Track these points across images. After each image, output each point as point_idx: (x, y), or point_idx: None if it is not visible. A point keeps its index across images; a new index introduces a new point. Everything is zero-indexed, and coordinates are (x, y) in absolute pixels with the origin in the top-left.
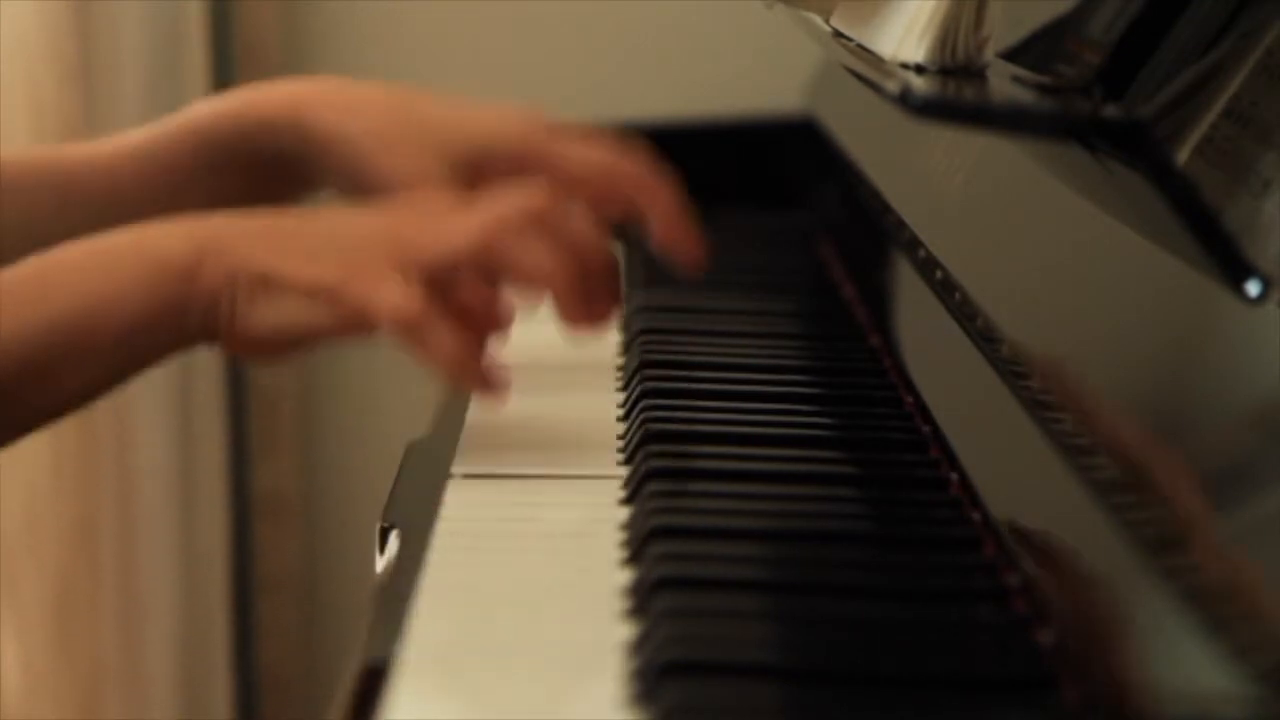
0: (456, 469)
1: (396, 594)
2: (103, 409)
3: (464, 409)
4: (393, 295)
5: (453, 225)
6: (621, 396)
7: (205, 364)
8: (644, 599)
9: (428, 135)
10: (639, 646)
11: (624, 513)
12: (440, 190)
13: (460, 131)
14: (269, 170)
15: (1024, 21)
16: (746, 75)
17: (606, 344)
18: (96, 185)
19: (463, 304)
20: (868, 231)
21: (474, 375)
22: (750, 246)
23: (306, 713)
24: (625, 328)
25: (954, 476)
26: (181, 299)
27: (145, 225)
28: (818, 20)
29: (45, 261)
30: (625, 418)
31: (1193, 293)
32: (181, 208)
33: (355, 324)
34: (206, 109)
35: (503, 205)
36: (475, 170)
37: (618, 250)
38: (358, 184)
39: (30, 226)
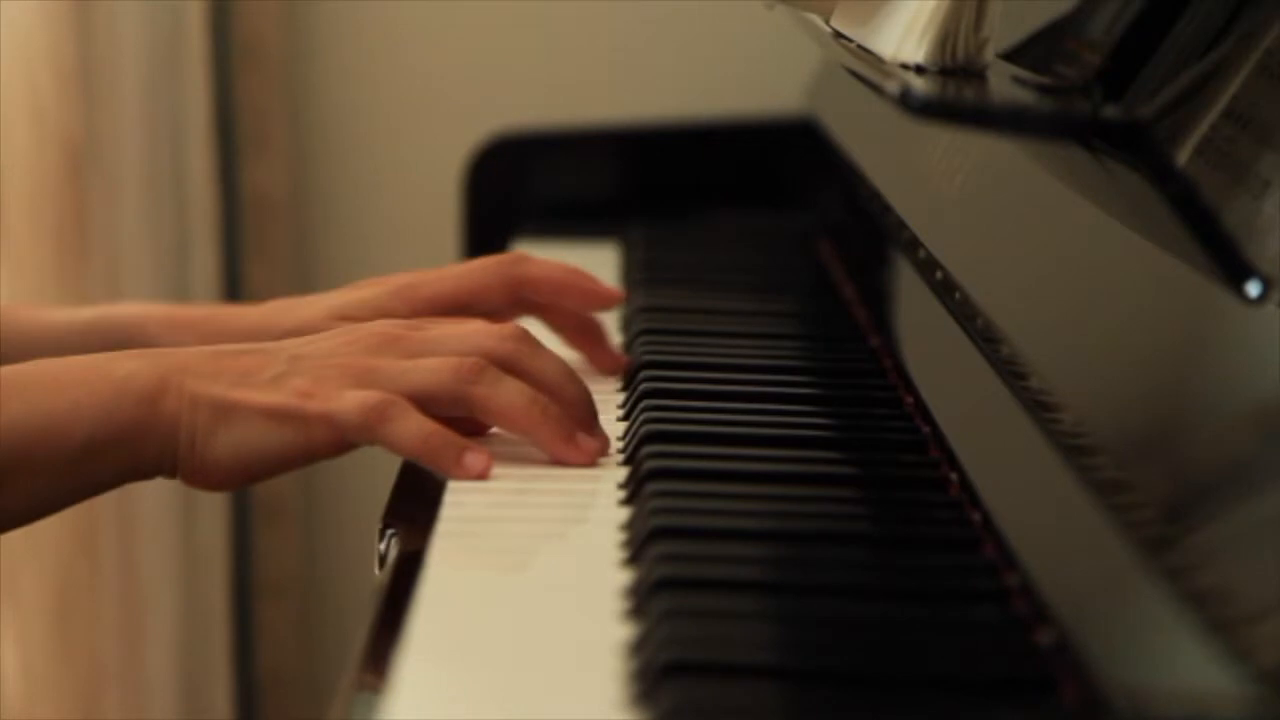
0: None
1: (396, 595)
2: None
3: None
4: (354, 396)
5: (419, 365)
6: (621, 397)
7: None
8: (644, 599)
9: None
10: (639, 646)
11: (624, 513)
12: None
13: None
14: None
15: (1024, 21)
16: (746, 75)
17: None
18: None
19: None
20: (868, 231)
21: (447, 456)
22: (750, 246)
23: (306, 713)
24: (625, 328)
25: (954, 476)
26: (141, 423)
27: (110, 353)
28: (818, 20)
29: (8, 371)
30: (625, 418)
31: (1193, 293)
32: None
33: (318, 437)
34: (130, 312)
35: (469, 341)
36: None
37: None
38: None
39: None
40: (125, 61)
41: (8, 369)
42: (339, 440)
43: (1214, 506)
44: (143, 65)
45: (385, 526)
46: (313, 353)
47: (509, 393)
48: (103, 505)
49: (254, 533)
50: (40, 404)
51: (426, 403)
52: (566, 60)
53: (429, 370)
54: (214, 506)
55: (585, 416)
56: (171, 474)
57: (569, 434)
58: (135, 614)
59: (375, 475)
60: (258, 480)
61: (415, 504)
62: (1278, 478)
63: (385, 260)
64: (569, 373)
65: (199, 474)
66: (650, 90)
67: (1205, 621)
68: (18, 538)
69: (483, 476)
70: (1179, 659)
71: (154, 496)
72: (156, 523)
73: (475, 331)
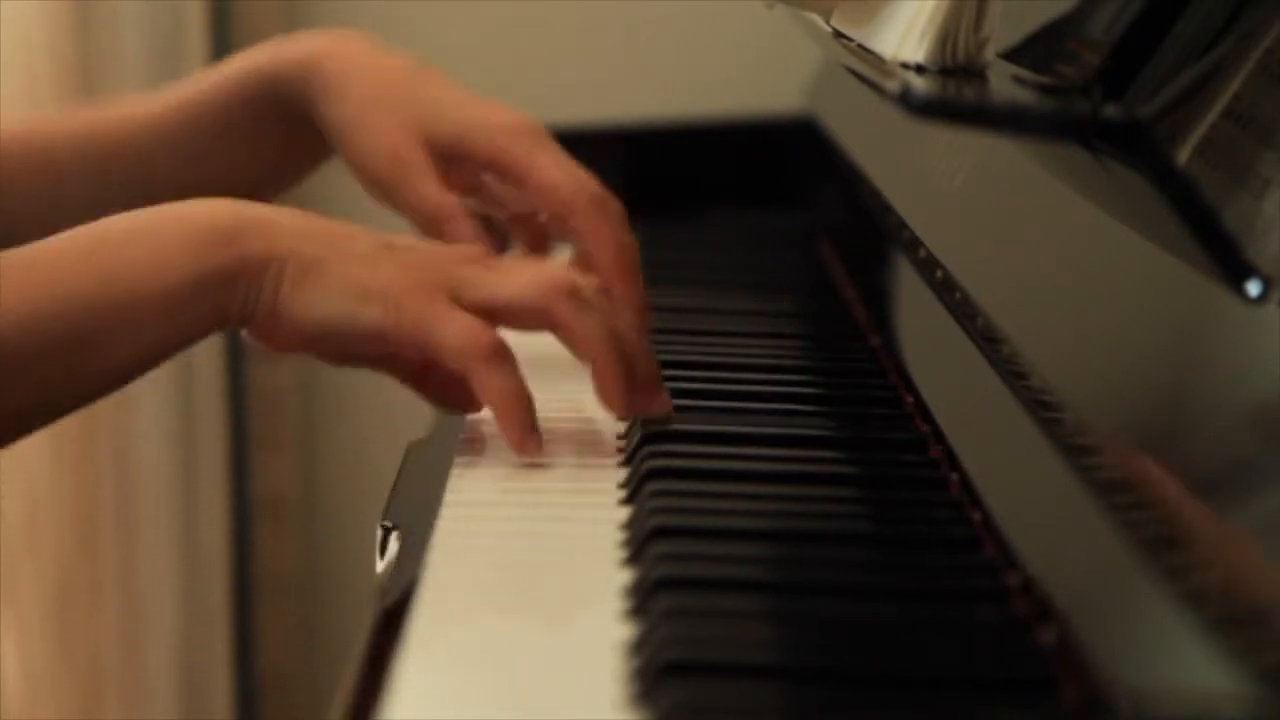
0: (456, 469)
1: (396, 595)
2: (103, 408)
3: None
4: (461, 322)
5: (511, 275)
6: None
7: (206, 363)
8: (644, 599)
9: (412, 110)
10: (639, 646)
11: (624, 513)
12: (411, 158)
13: (445, 117)
14: (296, 121)
15: (1024, 21)
16: (746, 75)
17: None
18: (142, 142)
19: None
20: (868, 231)
21: (519, 425)
22: (750, 246)
23: (306, 713)
24: None
25: (954, 476)
26: (227, 267)
27: (188, 201)
28: (818, 20)
29: (90, 229)
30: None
31: (1193, 293)
32: (227, 162)
33: (405, 339)
34: (238, 63)
35: (558, 272)
36: (448, 158)
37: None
38: (336, 140)
39: (62, 194)
40: (125, 61)
41: (91, 226)
42: (422, 355)
43: (1214, 506)
44: (143, 64)
45: (385, 525)
46: (405, 249)
47: (592, 322)
48: (103, 505)
49: (254, 532)
50: (131, 255)
51: (509, 314)
52: (566, 60)
53: (517, 283)
54: (214, 504)
55: (651, 376)
56: (249, 325)
57: (629, 383)
58: (135, 614)
59: (376, 474)
60: (323, 351)
61: (416, 502)
62: (1278, 478)
63: None
64: (644, 331)
65: (273, 329)
66: (650, 90)
67: (1205, 621)
68: (18, 537)
69: (537, 454)
70: (1179, 659)
71: (154, 496)
72: (156, 522)
73: (560, 269)
